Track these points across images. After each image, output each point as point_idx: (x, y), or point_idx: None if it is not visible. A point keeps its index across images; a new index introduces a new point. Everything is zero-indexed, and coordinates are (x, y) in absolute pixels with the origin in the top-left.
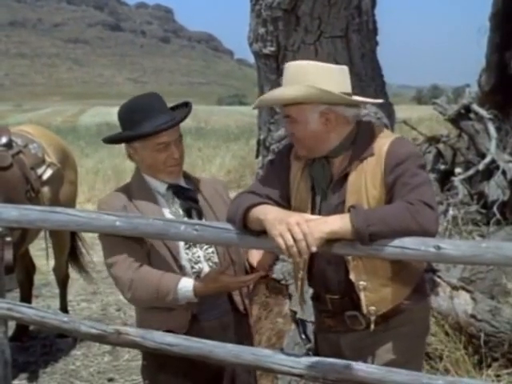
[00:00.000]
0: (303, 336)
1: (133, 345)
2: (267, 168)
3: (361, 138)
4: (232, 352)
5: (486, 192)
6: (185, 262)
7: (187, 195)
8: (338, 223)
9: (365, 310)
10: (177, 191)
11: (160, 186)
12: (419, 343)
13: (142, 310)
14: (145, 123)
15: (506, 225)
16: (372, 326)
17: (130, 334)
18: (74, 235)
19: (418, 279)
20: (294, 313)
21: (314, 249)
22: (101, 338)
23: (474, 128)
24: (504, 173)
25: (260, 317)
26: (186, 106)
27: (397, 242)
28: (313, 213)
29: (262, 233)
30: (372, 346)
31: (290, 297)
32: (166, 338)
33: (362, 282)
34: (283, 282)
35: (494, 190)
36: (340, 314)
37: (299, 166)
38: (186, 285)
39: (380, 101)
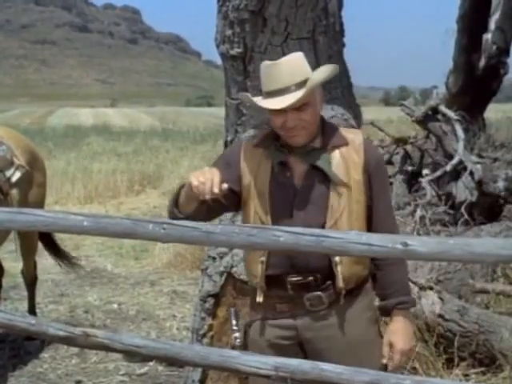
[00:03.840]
0: (235, 326)
1: (100, 347)
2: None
3: (330, 127)
4: (200, 353)
5: (453, 193)
6: None
7: None
8: None
9: (341, 284)
10: None
11: None
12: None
13: None
14: None
15: (474, 225)
16: (342, 301)
17: (98, 336)
18: (49, 236)
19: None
20: None
21: (216, 190)
22: (69, 341)
23: (441, 129)
24: (472, 174)
25: (227, 318)
26: None
27: (364, 238)
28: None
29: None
30: (337, 323)
31: None
32: (134, 339)
33: (336, 258)
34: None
35: (461, 190)
36: (299, 298)
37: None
38: None
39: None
